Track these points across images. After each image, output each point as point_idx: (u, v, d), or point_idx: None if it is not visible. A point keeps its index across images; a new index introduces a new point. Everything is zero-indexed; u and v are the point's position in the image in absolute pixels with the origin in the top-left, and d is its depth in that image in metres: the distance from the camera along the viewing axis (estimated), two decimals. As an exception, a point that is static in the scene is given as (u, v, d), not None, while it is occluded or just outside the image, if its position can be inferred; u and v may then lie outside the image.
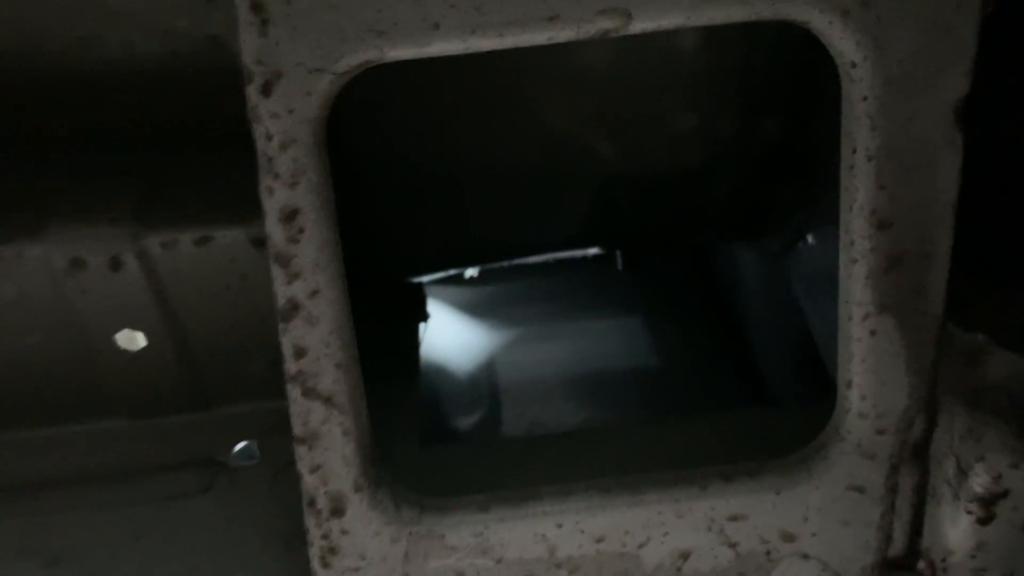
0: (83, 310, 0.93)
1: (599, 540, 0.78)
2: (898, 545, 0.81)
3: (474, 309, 1.47)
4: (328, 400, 0.72)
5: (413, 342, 1.12)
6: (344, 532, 0.76)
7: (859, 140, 0.67)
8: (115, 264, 0.91)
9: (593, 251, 1.37)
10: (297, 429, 0.73)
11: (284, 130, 0.65)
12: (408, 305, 1.17)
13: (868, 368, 0.73)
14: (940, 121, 0.66)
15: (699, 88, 1.00)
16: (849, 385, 0.74)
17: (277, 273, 0.69)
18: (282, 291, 0.69)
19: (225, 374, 0.98)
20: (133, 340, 0.95)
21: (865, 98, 0.65)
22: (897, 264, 0.70)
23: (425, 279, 1.24)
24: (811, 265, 1.06)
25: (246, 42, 0.63)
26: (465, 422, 1.30)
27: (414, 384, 1.02)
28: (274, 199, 0.67)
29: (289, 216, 0.67)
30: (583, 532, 0.78)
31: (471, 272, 1.43)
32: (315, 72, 0.64)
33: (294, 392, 0.72)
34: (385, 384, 0.95)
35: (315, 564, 0.77)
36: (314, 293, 0.70)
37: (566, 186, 1.08)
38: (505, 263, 1.33)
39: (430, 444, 0.95)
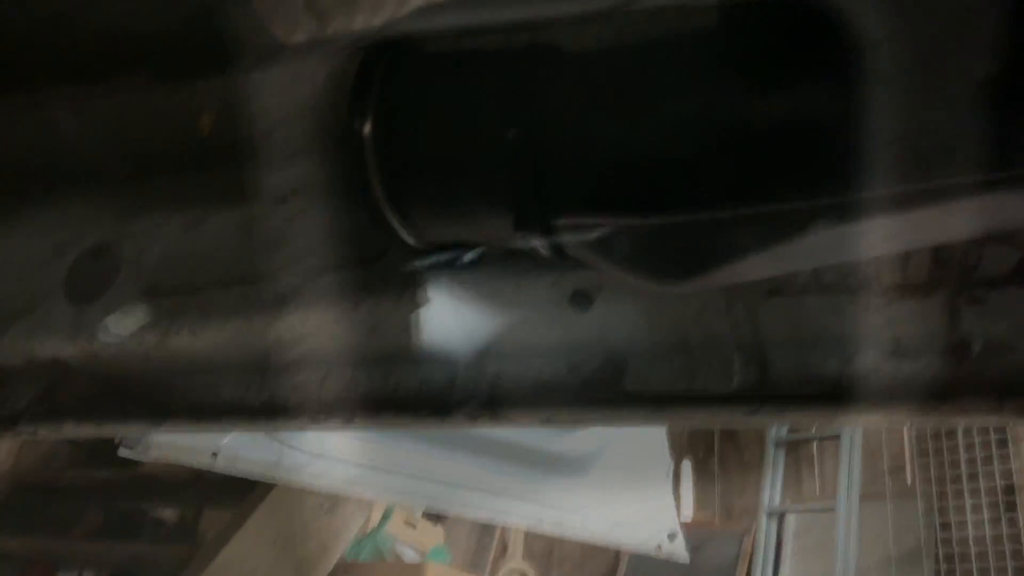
0: None
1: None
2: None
3: (473, 293, 1.44)
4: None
5: (412, 328, 1.09)
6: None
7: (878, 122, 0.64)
8: None
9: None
10: None
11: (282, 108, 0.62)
12: (406, 289, 1.14)
13: None
14: (964, 103, 0.63)
15: (692, 69, 0.96)
16: None
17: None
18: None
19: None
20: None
21: (886, 78, 0.62)
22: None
23: (424, 263, 1.21)
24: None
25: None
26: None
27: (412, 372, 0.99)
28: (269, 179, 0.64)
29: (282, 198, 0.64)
30: None
31: (470, 256, 1.39)
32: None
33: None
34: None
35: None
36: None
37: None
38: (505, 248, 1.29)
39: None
